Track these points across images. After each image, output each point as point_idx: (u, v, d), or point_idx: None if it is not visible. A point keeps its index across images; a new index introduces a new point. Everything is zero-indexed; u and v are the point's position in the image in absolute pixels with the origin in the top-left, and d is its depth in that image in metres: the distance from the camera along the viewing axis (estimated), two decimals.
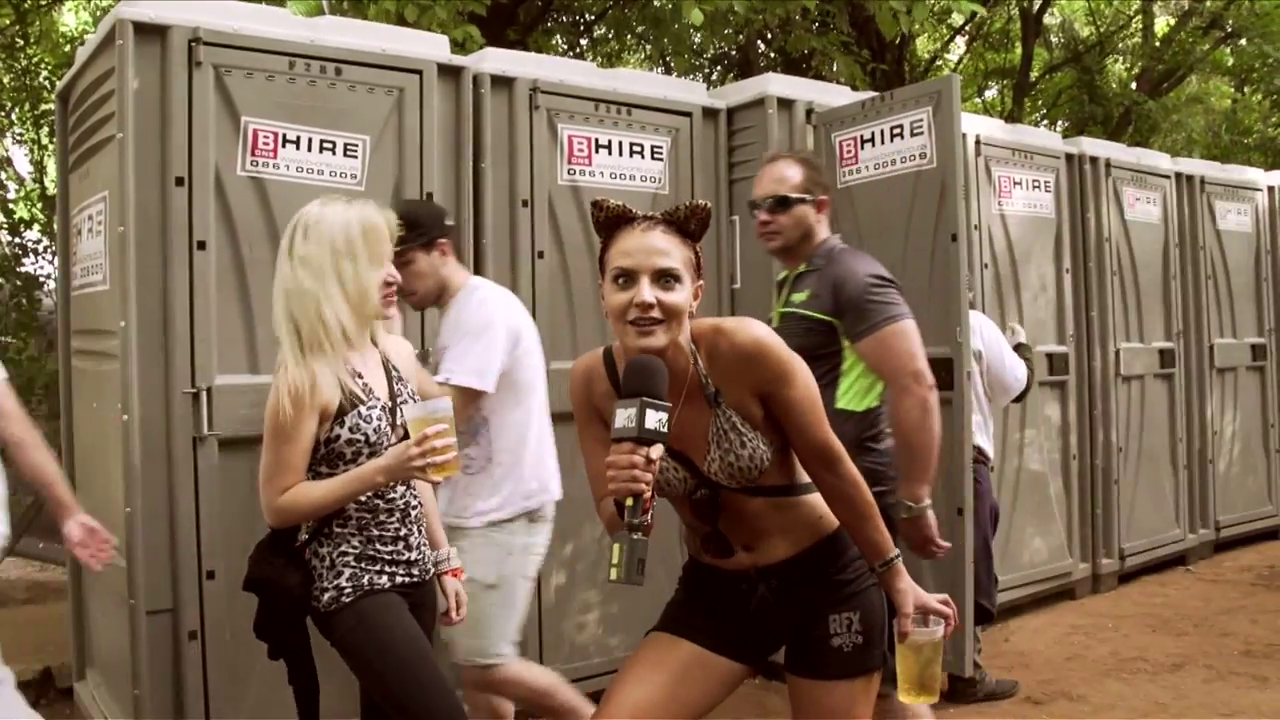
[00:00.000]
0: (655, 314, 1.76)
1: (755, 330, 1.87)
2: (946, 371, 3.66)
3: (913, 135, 3.81)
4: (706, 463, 1.88)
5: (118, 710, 3.19)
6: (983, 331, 4.04)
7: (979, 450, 3.95)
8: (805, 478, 1.96)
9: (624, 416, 1.68)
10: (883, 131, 3.93)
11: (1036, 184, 5.09)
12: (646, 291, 1.75)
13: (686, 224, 1.81)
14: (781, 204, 2.80)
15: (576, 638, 3.82)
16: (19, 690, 2.48)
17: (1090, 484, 5.31)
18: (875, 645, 1.96)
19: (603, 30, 9.21)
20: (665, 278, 1.77)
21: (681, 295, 1.78)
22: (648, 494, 1.69)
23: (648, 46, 9.26)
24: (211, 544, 3.05)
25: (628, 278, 1.77)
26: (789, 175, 2.81)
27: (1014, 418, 4.86)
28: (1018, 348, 4.31)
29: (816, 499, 1.97)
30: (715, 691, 2.00)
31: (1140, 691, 3.93)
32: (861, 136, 4.02)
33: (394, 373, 2.30)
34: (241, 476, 2.98)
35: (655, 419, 1.68)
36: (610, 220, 1.82)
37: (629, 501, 1.69)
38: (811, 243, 2.82)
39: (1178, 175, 6.00)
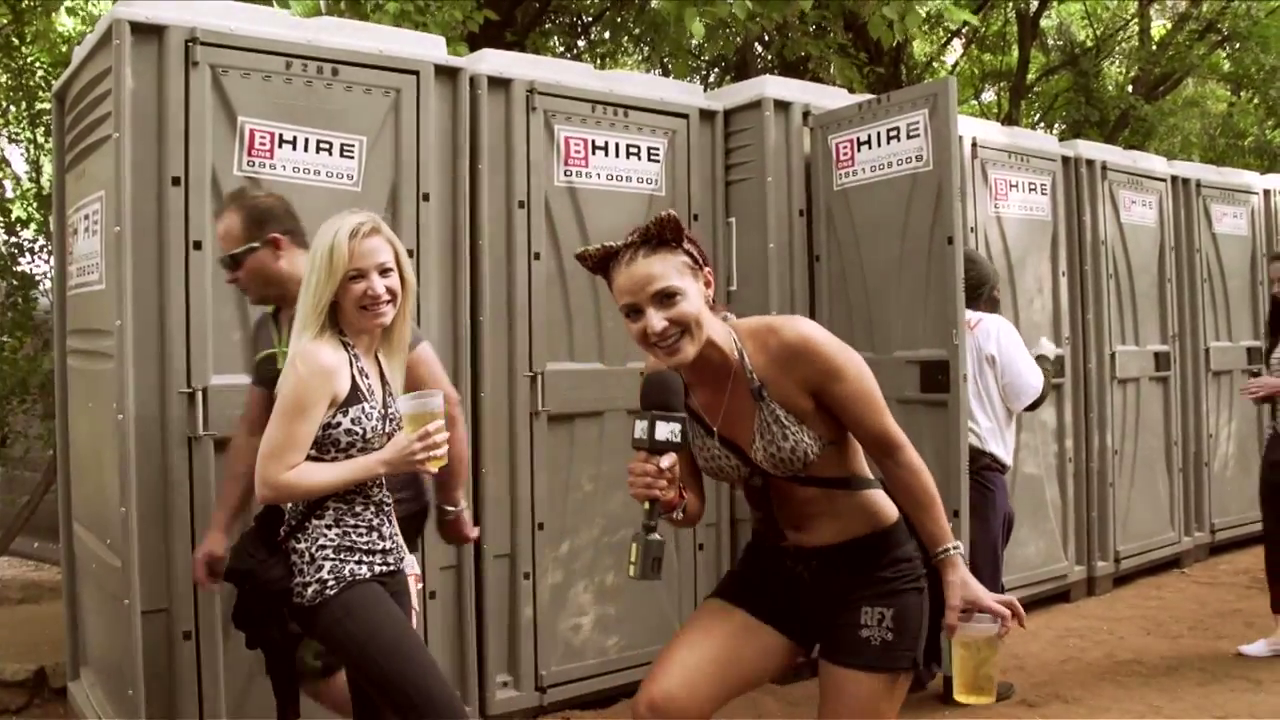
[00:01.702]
0: (671, 334, 1.88)
1: (803, 328, 1.97)
2: (943, 374, 3.66)
3: (909, 138, 3.81)
4: (753, 451, 1.98)
5: (112, 710, 3.18)
6: (999, 336, 3.93)
7: (992, 457, 3.90)
8: (865, 473, 2.04)
9: (639, 429, 1.85)
10: (879, 134, 3.93)
11: (1033, 187, 5.09)
12: (654, 320, 1.87)
13: (662, 236, 1.90)
14: (231, 262, 2.67)
15: (572, 639, 3.82)
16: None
17: (1085, 487, 5.31)
18: (905, 647, 1.98)
19: (600, 32, 9.21)
20: (664, 297, 1.87)
21: (689, 303, 1.89)
22: (669, 496, 1.86)
23: (645, 48, 9.26)
24: None
25: (635, 311, 1.90)
26: (229, 230, 2.65)
27: None
28: (1038, 358, 4.17)
29: (874, 495, 2.03)
30: (762, 661, 2.07)
31: (1135, 694, 3.93)
32: (858, 139, 4.02)
33: (387, 385, 2.36)
34: None
35: (666, 430, 1.83)
36: (599, 263, 1.93)
37: (646, 505, 1.85)
38: (293, 283, 2.50)
39: (1174, 178, 6.01)
